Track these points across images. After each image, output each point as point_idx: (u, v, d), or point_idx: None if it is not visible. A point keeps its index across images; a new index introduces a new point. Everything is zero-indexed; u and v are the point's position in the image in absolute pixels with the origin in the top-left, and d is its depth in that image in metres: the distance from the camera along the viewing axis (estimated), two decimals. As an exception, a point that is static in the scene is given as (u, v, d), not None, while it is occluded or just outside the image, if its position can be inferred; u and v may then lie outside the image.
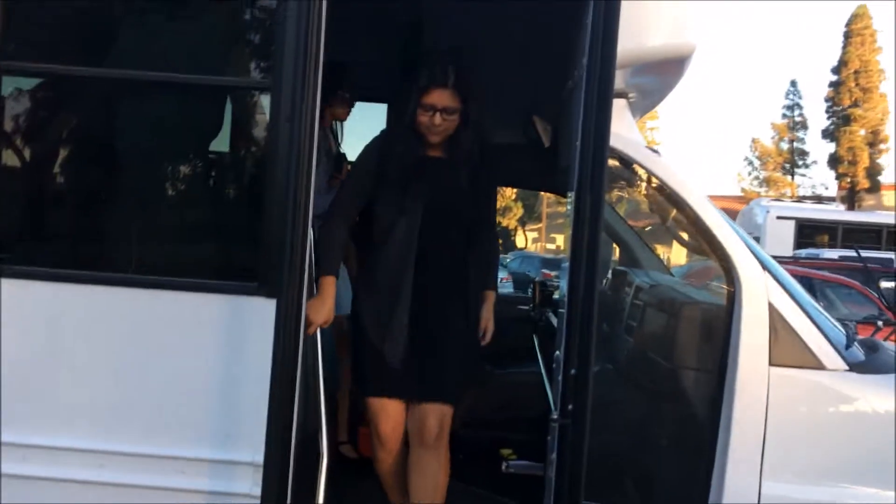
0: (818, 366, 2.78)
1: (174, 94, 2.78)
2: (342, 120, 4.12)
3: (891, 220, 17.74)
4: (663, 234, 5.29)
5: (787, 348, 2.77)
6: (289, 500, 2.54)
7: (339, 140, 4.19)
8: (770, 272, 2.85)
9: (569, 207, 2.75)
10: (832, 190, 37.93)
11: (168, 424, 2.67)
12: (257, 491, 2.53)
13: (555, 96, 3.67)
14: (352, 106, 4.09)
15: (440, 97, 2.80)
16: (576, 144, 2.61)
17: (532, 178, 5.08)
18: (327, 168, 3.92)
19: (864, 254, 14.04)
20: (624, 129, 2.96)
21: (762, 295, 2.79)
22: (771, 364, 2.76)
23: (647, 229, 4.52)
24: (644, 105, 3.39)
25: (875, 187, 36.14)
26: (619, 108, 3.03)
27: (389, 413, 2.96)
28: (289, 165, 2.47)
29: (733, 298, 2.81)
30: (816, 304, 3.14)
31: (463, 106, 2.84)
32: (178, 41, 2.80)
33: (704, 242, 2.86)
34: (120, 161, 2.91)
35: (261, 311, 2.59)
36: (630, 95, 3.10)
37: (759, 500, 2.75)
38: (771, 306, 2.79)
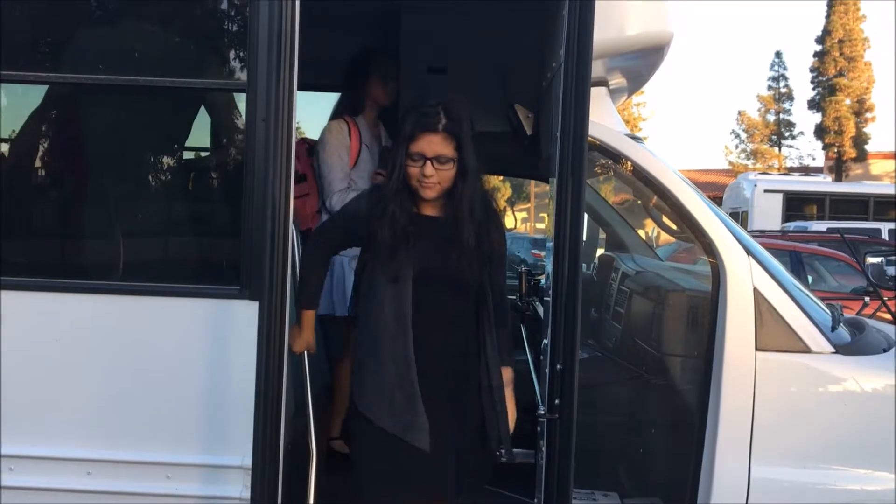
0: (804, 349, 2.78)
1: (149, 97, 2.74)
2: (383, 104, 3.82)
3: (877, 190, 17.79)
4: (648, 215, 5.30)
5: (772, 332, 2.78)
6: (279, 502, 2.54)
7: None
8: (754, 256, 2.85)
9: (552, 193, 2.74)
10: (819, 160, 37.98)
11: (154, 430, 2.66)
12: (248, 494, 2.52)
13: (533, 87, 3.65)
14: (388, 87, 3.79)
15: (430, 143, 2.39)
16: (556, 135, 2.59)
17: (515, 165, 5.05)
18: (373, 160, 3.76)
19: (852, 224, 14.15)
20: (605, 118, 2.94)
21: (747, 280, 2.79)
22: (757, 349, 2.77)
23: (633, 208, 4.52)
24: (628, 88, 3.37)
25: (862, 156, 36.18)
26: (600, 96, 3.03)
27: None
28: (266, 166, 2.45)
29: (718, 284, 2.81)
30: (801, 285, 3.14)
31: (458, 154, 2.43)
32: (149, 43, 2.77)
33: (688, 229, 2.85)
34: (96, 167, 2.89)
35: (244, 314, 2.57)
36: (611, 82, 3.07)
37: (748, 484, 2.76)
38: (756, 291, 2.79)
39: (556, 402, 2.32)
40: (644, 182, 2.85)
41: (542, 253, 18.62)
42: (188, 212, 2.88)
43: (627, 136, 2.92)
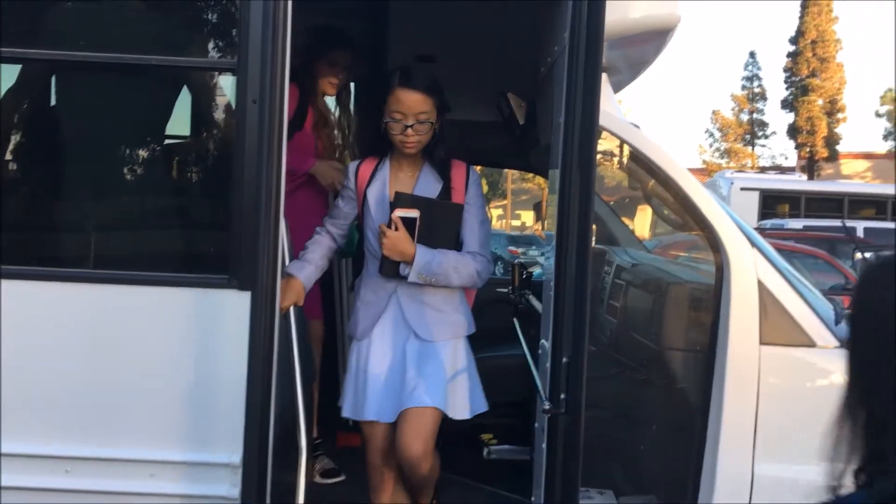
0: (809, 343, 2.72)
1: (132, 76, 2.61)
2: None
3: (852, 189, 17.97)
4: (636, 210, 5.24)
5: (777, 326, 2.71)
6: (268, 501, 2.43)
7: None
8: (758, 248, 2.78)
9: (553, 185, 2.64)
10: (792, 160, 38.38)
11: (137, 426, 2.53)
12: (235, 493, 2.41)
13: (527, 75, 3.56)
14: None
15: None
16: (558, 121, 2.50)
17: (505, 156, 4.96)
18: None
19: (827, 223, 14.28)
20: (604, 103, 2.84)
21: (751, 272, 2.71)
22: (761, 343, 2.69)
23: (624, 202, 4.45)
24: (628, 75, 3.29)
25: (833, 156, 36.62)
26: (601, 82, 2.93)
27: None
28: (259, 149, 2.33)
29: (721, 276, 2.74)
30: (803, 279, 3.08)
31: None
32: (132, 19, 2.63)
33: (691, 219, 2.77)
34: (77, 150, 2.74)
35: (233, 304, 2.45)
36: (611, 68, 2.98)
37: (752, 482, 2.69)
38: (760, 283, 2.71)
39: (563, 396, 2.22)
40: (647, 171, 2.76)
41: (519, 250, 18.60)
42: (174, 197, 2.75)
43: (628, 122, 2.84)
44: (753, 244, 2.76)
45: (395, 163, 2.78)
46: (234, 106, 2.50)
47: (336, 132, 3.66)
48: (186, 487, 2.52)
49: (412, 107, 2.63)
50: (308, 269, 2.75)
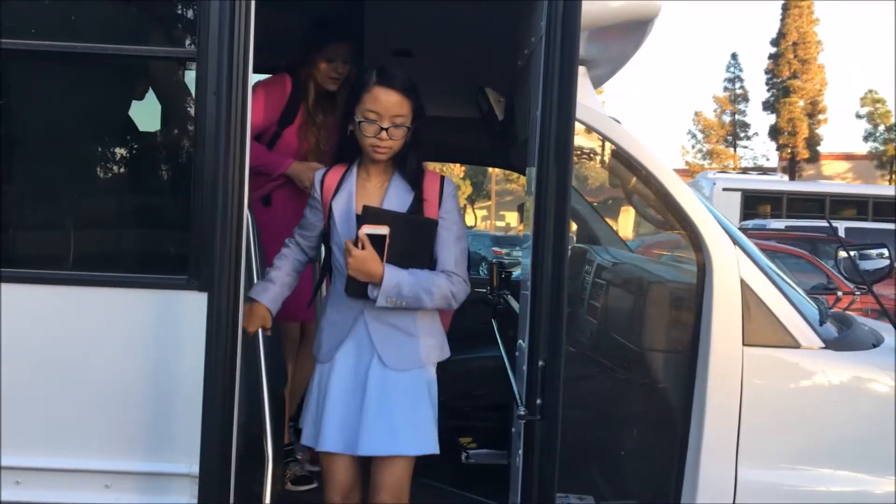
0: (793, 344, 2.64)
1: (86, 66, 2.48)
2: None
3: (833, 189, 18.04)
4: (619, 208, 5.16)
5: (760, 327, 2.62)
6: (231, 511, 2.31)
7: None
8: (740, 247, 2.70)
9: (530, 184, 2.54)
10: (773, 161, 38.62)
11: (92, 434, 2.41)
12: (196, 504, 2.29)
13: (506, 69, 3.46)
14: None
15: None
16: (535, 115, 2.40)
17: (483, 154, 4.87)
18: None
19: (808, 223, 14.31)
20: (584, 97, 2.75)
21: (734, 271, 2.63)
22: (744, 344, 2.61)
23: (607, 202, 4.37)
24: (606, 69, 3.19)
25: (814, 157, 36.90)
26: (580, 75, 2.84)
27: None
28: (217, 144, 2.21)
29: (703, 275, 2.65)
30: (787, 278, 3.00)
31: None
32: (90, 6, 2.49)
33: (672, 217, 2.68)
34: (32, 146, 2.61)
35: (193, 307, 2.34)
36: (590, 62, 2.89)
37: (735, 487, 2.61)
38: (743, 283, 2.63)
39: (539, 401, 2.12)
40: (628, 168, 2.67)
41: (503, 250, 18.52)
42: (132, 194, 2.62)
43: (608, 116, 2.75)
44: (736, 242, 2.68)
45: (362, 172, 2.54)
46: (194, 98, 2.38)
47: (322, 133, 3.41)
48: (144, 498, 2.40)
49: (389, 108, 2.41)
50: (272, 291, 2.53)
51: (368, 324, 2.49)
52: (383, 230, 2.37)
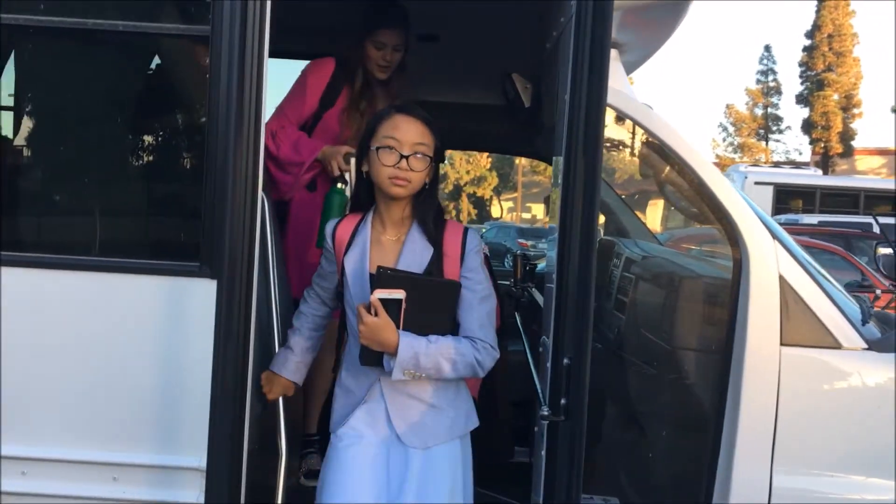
0: (834, 345, 2.50)
1: (95, 44, 2.39)
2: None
3: (868, 185, 17.64)
4: (646, 201, 5.01)
5: (800, 326, 2.49)
6: (242, 509, 2.23)
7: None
8: (779, 241, 2.56)
9: (556, 174, 2.42)
10: (806, 155, 37.99)
11: (99, 425, 2.33)
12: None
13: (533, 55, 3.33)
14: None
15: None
16: (563, 99, 2.28)
17: (510, 142, 4.75)
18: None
19: (842, 219, 14.00)
20: (615, 81, 2.62)
21: (772, 266, 2.49)
22: (782, 343, 2.47)
23: (633, 194, 4.23)
24: (628, 62, 3.05)
25: (848, 152, 36.22)
26: (611, 59, 2.71)
27: None
28: (229, 127, 2.12)
29: (740, 270, 2.51)
30: (827, 274, 2.85)
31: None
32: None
33: (708, 208, 2.54)
34: (42, 129, 2.53)
35: (203, 294, 2.25)
36: (622, 44, 2.76)
37: (769, 493, 2.48)
38: (782, 278, 2.49)
39: (563, 401, 2.01)
40: (662, 157, 2.54)
41: (529, 242, 18.37)
42: (141, 178, 2.53)
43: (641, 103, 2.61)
44: (775, 236, 2.54)
45: (377, 223, 2.28)
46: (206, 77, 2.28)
47: (364, 122, 3.28)
48: (153, 493, 2.32)
49: (411, 135, 2.17)
50: (292, 362, 2.37)
51: (386, 394, 2.23)
52: (399, 294, 2.10)
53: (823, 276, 2.75)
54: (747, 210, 2.52)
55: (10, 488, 2.31)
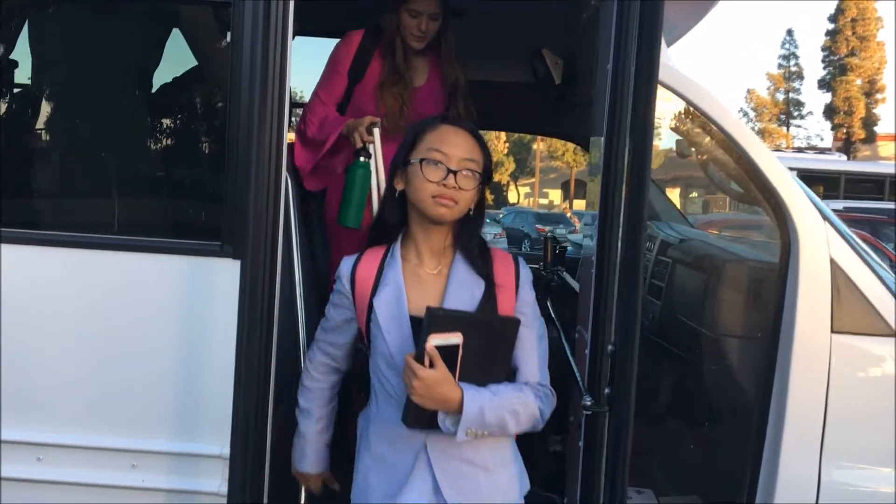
0: (888, 332, 2.37)
1: (111, 15, 2.28)
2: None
3: (893, 171, 17.32)
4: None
5: (852, 312, 2.36)
6: (265, 499, 2.13)
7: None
8: (830, 222, 2.42)
9: (595, 156, 2.28)
10: (828, 141, 37.54)
11: (118, 411, 2.24)
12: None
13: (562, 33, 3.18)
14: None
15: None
16: (606, 68, 2.14)
17: (538, 121, 4.60)
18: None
19: (867, 205, 13.75)
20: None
21: (823, 249, 2.36)
22: (833, 331, 2.35)
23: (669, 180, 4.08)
24: (681, 26, 2.91)
25: (871, 138, 35.75)
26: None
27: None
28: (252, 102, 2.01)
29: (788, 253, 2.38)
30: (877, 258, 2.71)
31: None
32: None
33: (755, 187, 2.41)
34: (66, 105, 2.43)
35: (226, 275, 2.14)
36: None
37: (818, 488, 2.36)
38: (833, 262, 2.36)
39: (606, 391, 1.89)
40: (707, 132, 2.40)
41: (546, 228, 18.20)
42: (161, 155, 2.43)
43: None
44: (825, 218, 2.40)
45: (409, 254, 1.93)
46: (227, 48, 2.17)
47: (407, 96, 2.97)
48: (173, 481, 2.23)
49: (460, 149, 1.85)
50: (310, 456, 2.08)
51: (434, 461, 1.86)
52: (456, 339, 1.75)
53: (876, 261, 2.61)
54: (798, 190, 2.39)
55: (25, 475, 2.22)
